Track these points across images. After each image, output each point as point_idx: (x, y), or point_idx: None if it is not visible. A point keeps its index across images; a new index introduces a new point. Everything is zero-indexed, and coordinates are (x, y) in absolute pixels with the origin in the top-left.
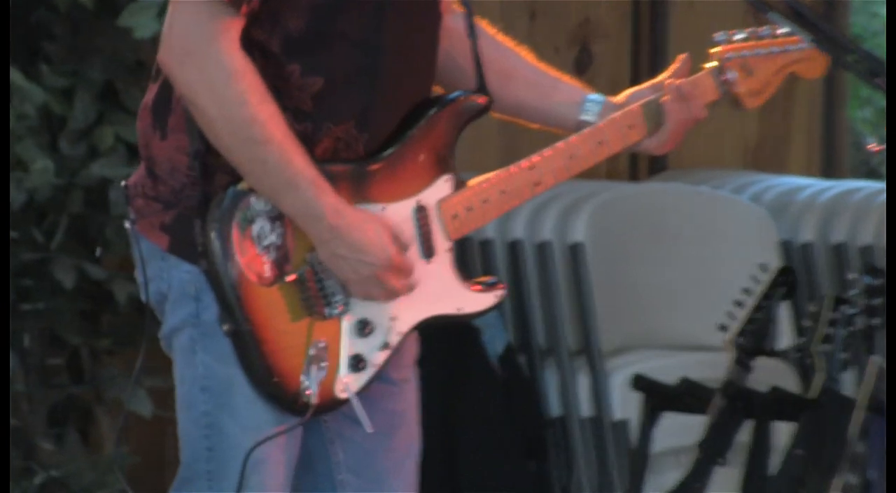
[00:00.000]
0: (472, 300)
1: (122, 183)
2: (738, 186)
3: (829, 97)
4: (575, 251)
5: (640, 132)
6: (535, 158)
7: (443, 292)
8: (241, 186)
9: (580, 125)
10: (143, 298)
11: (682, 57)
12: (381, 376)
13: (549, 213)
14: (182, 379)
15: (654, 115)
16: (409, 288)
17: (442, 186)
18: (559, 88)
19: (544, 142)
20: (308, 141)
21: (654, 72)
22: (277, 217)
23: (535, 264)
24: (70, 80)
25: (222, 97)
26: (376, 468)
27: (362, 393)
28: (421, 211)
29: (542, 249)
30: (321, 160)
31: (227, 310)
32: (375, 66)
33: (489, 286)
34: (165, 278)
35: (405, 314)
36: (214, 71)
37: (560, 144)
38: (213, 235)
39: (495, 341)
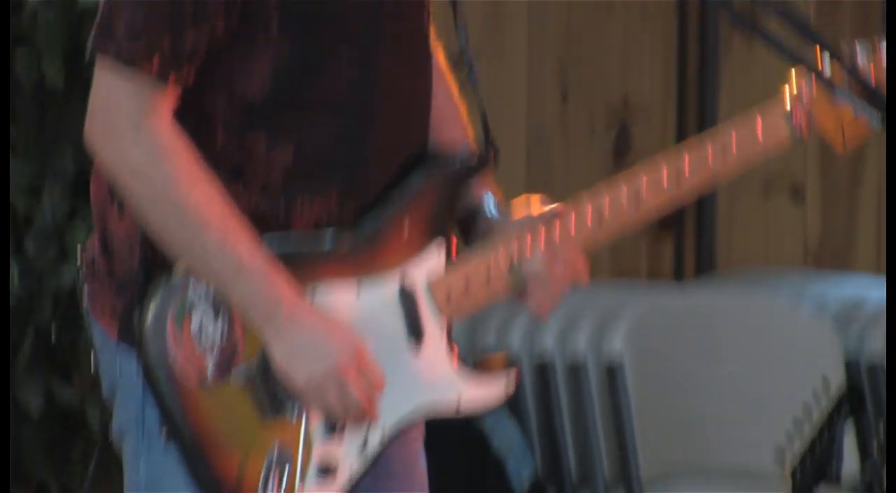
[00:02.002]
0: (473, 389)
1: (78, 246)
2: (797, 288)
3: None
4: (612, 372)
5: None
6: (551, 222)
7: (435, 381)
8: (177, 270)
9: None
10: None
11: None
12: (383, 466)
13: (583, 324)
14: (126, 488)
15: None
16: (371, 397)
17: (433, 256)
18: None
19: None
20: (283, 220)
21: None
22: (221, 306)
23: (567, 385)
24: (37, 171)
25: (149, 179)
26: None
27: (363, 484)
28: (406, 295)
29: (575, 368)
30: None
31: (165, 414)
32: (360, 131)
33: (497, 372)
34: (117, 369)
35: (387, 410)
36: (138, 150)
37: (583, 206)
38: (146, 327)
39: (521, 472)
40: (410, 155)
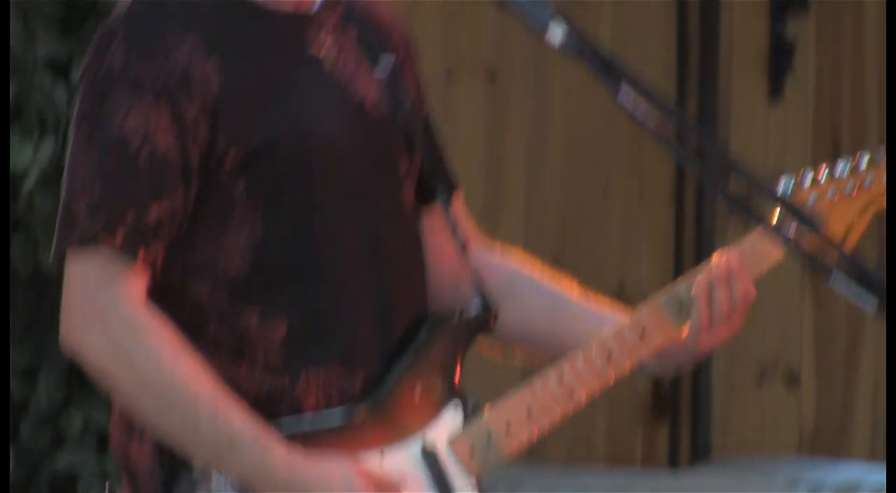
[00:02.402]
0: None
1: (107, 484)
2: (792, 476)
3: None
4: None
5: (663, 334)
6: (563, 367)
7: None
8: (196, 465)
9: None
10: None
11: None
12: None
13: None
14: None
15: (679, 306)
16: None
17: (451, 417)
18: (590, 315)
19: None
20: (289, 399)
21: None
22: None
23: None
24: (32, 357)
25: (132, 359)
26: None
27: None
28: (429, 455)
29: None
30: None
31: None
32: (352, 297)
33: None
34: None
35: None
36: (117, 329)
37: (591, 345)
38: None
39: None
40: (410, 317)
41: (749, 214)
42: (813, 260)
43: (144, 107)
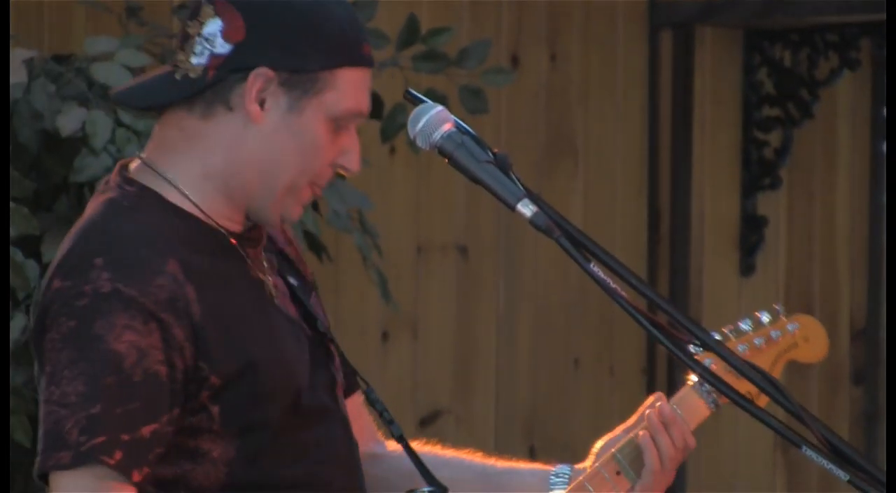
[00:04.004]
0: None
1: None
2: None
3: None
4: None
5: (621, 487)
6: None
7: None
8: None
9: None
10: None
11: (655, 395)
12: None
13: None
14: None
15: (631, 460)
16: None
17: None
18: (516, 475)
19: None
20: None
21: None
22: None
23: None
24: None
25: None
26: None
27: None
28: None
29: None
30: None
31: None
32: None
33: None
34: None
35: None
36: None
37: None
38: None
39: None
40: None
41: (720, 385)
42: (783, 431)
43: (137, 327)
